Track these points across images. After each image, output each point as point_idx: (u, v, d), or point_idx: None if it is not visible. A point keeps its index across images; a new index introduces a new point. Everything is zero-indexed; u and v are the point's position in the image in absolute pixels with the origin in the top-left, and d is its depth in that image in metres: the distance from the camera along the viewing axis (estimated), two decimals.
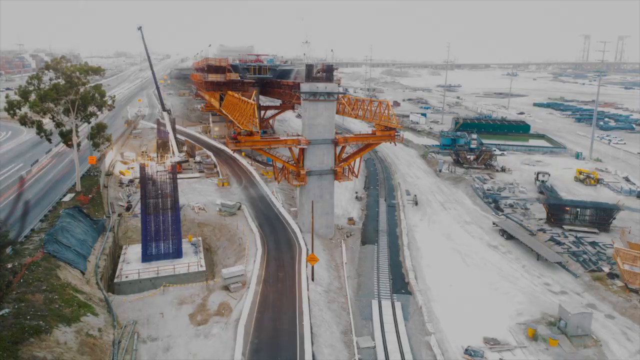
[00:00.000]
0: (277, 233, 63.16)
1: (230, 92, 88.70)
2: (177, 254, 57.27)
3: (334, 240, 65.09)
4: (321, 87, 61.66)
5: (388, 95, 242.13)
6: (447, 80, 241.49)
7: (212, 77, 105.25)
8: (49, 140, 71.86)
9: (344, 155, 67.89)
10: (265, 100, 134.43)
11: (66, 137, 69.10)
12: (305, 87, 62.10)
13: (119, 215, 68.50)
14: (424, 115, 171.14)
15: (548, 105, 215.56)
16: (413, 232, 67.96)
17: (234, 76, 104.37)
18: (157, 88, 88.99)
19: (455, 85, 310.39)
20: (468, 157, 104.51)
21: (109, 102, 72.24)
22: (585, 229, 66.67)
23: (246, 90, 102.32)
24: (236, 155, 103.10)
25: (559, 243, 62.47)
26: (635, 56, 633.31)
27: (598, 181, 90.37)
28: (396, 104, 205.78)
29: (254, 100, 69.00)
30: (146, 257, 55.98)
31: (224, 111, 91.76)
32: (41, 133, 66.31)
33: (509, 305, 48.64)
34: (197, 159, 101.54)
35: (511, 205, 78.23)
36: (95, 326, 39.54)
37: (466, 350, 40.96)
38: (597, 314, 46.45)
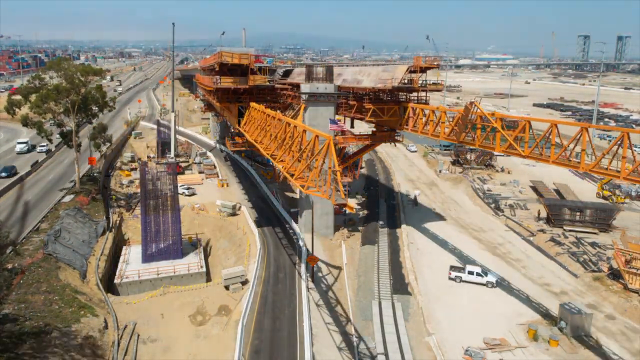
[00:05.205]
0: (277, 233, 63.18)
1: (255, 105, 64.09)
2: (177, 254, 57.24)
3: (334, 241, 65.07)
4: (321, 87, 61.54)
5: None
6: (446, 80, 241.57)
7: (227, 82, 68.83)
8: (50, 141, 71.94)
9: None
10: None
11: (67, 138, 69.15)
12: (305, 87, 62.02)
13: (119, 216, 68.52)
14: None
15: (548, 106, 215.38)
16: (413, 233, 67.92)
17: (260, 79, 68.96)
18: (173, 106, 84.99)
19: (454, 86, 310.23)
20: (468, 157, 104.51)
21: (110, 103, 72.34)
22: (585, 229, 66.65)
23: (278, 102, 72.46)
24: (236, 156, 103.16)
25: (559, 243, 62.48)
26: (635, 56, 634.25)
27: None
28: None
29: (308, 124, 47.80)
30: (146, 257, 55.94)
31: (248, 136, 62.66)
32: (42, 133, 66.37)
33: (509, 306, 48.67)
34: (197, 159, 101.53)
35: (511, 206, 78.19)
36: (95, 327, 39.53)
37: (466, 351, 40.93)
38: (598, 314, 46.45)
